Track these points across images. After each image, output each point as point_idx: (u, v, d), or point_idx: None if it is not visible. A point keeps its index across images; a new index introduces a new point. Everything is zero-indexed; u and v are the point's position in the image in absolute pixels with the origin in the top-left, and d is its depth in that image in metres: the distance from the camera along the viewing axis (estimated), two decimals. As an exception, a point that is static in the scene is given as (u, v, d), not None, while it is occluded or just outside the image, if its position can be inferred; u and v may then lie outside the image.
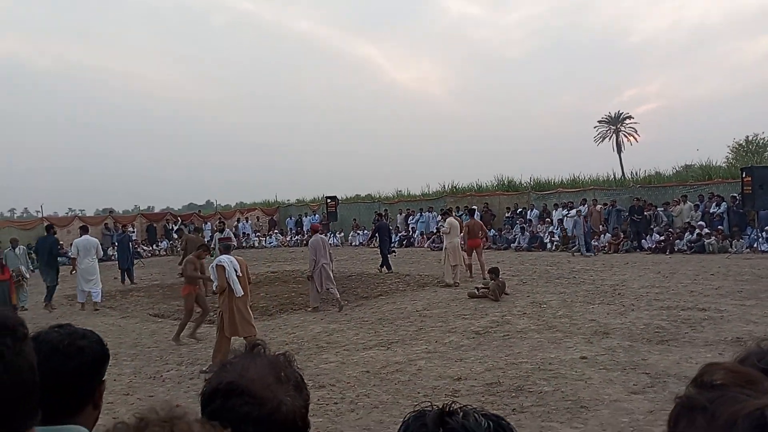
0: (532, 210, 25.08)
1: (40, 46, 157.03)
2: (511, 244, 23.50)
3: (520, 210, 25.55)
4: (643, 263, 16.76)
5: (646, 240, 20.40)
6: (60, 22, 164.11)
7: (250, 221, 33.33)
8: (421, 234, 27.13)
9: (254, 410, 1.06)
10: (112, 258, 26.08)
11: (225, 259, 8.17)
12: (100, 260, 14.49)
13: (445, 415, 0.87)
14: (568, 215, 22.11)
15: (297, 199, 38.09)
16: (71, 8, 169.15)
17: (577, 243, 20.20)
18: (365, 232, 29.55)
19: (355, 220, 30.47)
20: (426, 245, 25.45)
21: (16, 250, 14.40)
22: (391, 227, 21.28)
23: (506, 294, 12.36)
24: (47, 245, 14.26)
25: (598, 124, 63.63)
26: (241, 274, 8.18)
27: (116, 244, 20.99)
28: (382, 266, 17.67)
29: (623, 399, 5.92)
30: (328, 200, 30.22)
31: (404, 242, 27.29)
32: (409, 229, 28.22)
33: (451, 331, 9.50)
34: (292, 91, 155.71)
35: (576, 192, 25.38)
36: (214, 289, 8.58)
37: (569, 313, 10.37)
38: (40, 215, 32.82)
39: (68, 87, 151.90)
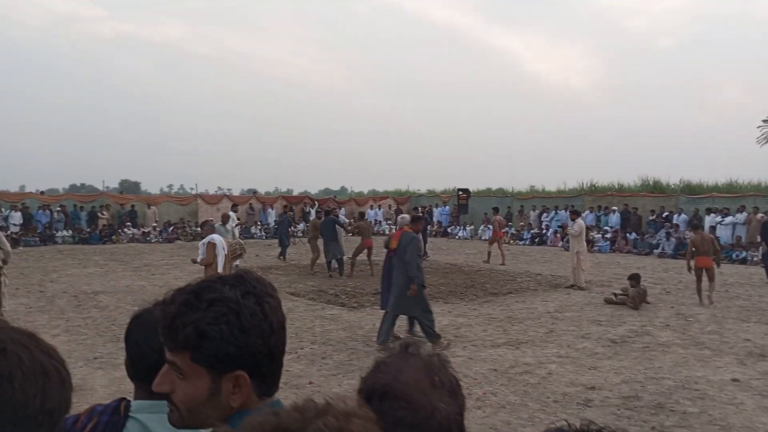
0: (679, 214, 23.29)
1: (200, 33, 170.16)
2: (654, 250, 22.00)
3: (666, 214, 23.85)
4: (810, 281, 14.97)
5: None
6: (218, 10, 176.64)
7: (382, 209, 34.02)
8: (555, 232, 26.21)
9: (408, 415, 1.04)
10: (255, 236, 27.94)
11: (216, 238, 9.56)
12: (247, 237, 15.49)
13: None
14: (722, 222, 20.27)
15: (428, 190, 38.30)
16: None
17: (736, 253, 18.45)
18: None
19: (486, 214, 30.05)
20: (560, 244, 24.57)
21: (227, 225, 14.91)
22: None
23: (647, 303, 11.61)
24: (329, 223, 16.07)
25: (762, 123, 57.49)
26: (227, 252, 9.58)
27: (277, 223, 22.72)
28: None
29: (783, 432, 5.34)
30: (460, 192, 30.07)
31: (536, 240, 26.53)
32: (543, 226, 27.36)
33: (584, 336, 9.10)
34: (429, 80, 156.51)
35: (733, 198, 23.20)
36: (199, 261, 9.75)
37: (720, 329, 9.53)
38: (194, 192, 35.82)
39: (223, 72, 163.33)
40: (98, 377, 6.95)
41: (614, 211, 25.27)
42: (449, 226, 31.17)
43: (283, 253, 19.48)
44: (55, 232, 25.18)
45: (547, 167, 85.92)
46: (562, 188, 32.24)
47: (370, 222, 16.33)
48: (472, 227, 29.92)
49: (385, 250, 9.39)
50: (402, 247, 8.42)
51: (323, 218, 16.98)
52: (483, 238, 28.69)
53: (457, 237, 29.57)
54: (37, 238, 24.01)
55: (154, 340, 1.48)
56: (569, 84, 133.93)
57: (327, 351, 8.24)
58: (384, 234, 30.12)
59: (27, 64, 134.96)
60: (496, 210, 21.65)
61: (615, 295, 11.87)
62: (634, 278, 11.81)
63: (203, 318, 1.07)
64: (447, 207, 32.43)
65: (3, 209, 24.90)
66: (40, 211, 25.49)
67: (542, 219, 27.72)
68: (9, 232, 23.19)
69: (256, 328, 1.09)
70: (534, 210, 28.59)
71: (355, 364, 7.54)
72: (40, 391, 0.93)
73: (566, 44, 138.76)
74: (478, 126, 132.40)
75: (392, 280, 8.79)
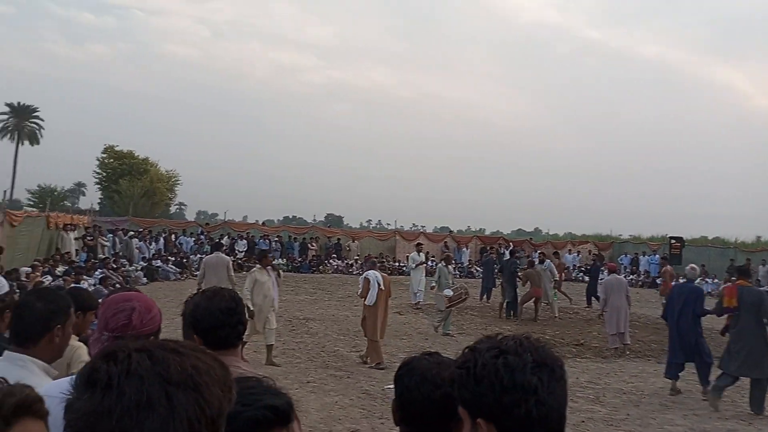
0: None
1: (402, 77, 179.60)
2: None
3: None
4: None
5: None
6: (418, 56, 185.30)
7: (580, 254, 32.43)
8: (790, 292, 22.73)
9: None
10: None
11: (371, 274, 9.80)
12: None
13: None
14: None
15: (631, 235, 35.79)
16: (428, 43, 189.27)
17: None
18: (716, 281, 26.12)
19: (704, 265, 27.14)
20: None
21: (449, 266, 14.56)
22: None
23: None
24: (508, 266, 16.20)
25: None
26: (383, 288, 9.67)
27: (482, 264, 22.96)
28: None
29: None
30: (672, 240, 27.62)
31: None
32: (773, 283, 23.91)
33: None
34: (635, 119, 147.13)
35: None
36: (359, 294, 10.16)
37: None
38: (391, 228, 37.48)
39: (421, 114, 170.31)
40: (311, 401, 7.44)
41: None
42: (658, 277, 28.62)
43: (487, 294, 19.09)
44: (272, 260, 27.90)
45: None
46: (801, 241, 28.09)
47: (545, 270, 15.65)
48: (685, 280, 27.14)
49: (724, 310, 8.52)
50: (752, 305, 7.81)
51: (507, 259, 16.73)
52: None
53: (666, 289, 27.03)
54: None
55: (425, 388, 1.53)
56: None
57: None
58: (581, 280, 28.66)
59: (251, 109, 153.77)
60: (664, 259, 20.14)
61: None
62: None
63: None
64: (656, 256, 29.90)
65: (232, 237, 28.27)
66: (261, 240, 28.47)
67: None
68: (236, 257, 26.23)
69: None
70: (763, 265, 25.15)
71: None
72: None
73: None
74: (691, 167, 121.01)
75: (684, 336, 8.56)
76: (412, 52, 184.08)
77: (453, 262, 17.32)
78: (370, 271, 10.08)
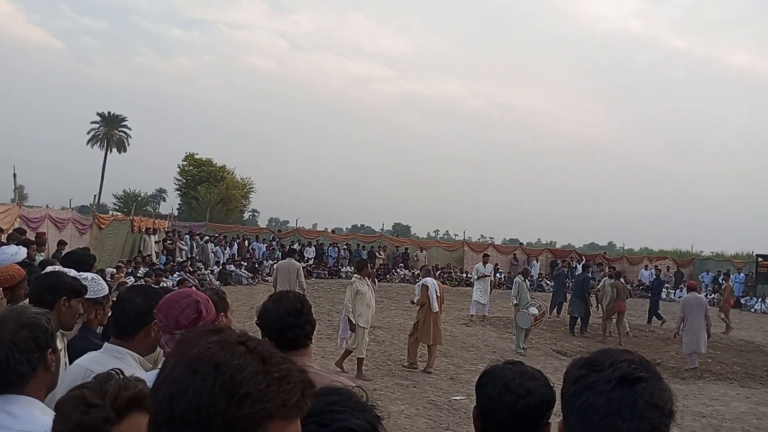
0: None
1: (474, 88, 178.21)
2: None
3: None
4: None
5: None
6: (491, 67, 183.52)
7: (660, 270, 31.07)
8: None
9: None
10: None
11: (429, 281, 10.32)
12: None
13: None
14: None
15: (714, 252, 34.04)
16: (501, 54, 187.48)
17: None
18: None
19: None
20: None
21: (527, 281, 13.93)
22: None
23: None
24: (580, 280, 15.76)
25: None
26: (439, 295, 10.10)
27: (553, 277, 22.60)
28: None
29: None
30: (760, 259, 26.07)
31: None
32: None
33: None
34: (720, 131, 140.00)
35: None
36: (415, 301, 10.56)
37: None
38: (459, 239, 37.19)
39: (493, 124, 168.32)
40: (377, 408, 7.47)
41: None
42: (743, 297, 27.10)
43: (558, 309, 18.61)
44: (341, 267, 28.27)
45: None
46: None
47: (626, 284, 15.08)
48: (773, 300, 25.57)
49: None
50: None
51: (579, 273, 16.24)
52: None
53: (752, 310, 25.53)
54: (327, 272, 27.20)
55: (508, 398, 1.52)
56: None
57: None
58: (663, 299, 27.44)
59: (324, 119, 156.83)
60: (726, 275, 19.62)
61: None
62: None
63: None
64: (741, 274, 28.30)
65: (302, 244, 28.87)
66: (331, 248, 28.91)
67: None
68: (306, 264, 26.76)
69: None
70: None
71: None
72: None
73: None
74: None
75: None
76: (485, 63, 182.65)
77: (483, 271, 16.88)
78: (427, 278, 10.53)
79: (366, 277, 9.49)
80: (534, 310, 12.31)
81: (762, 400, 9.34)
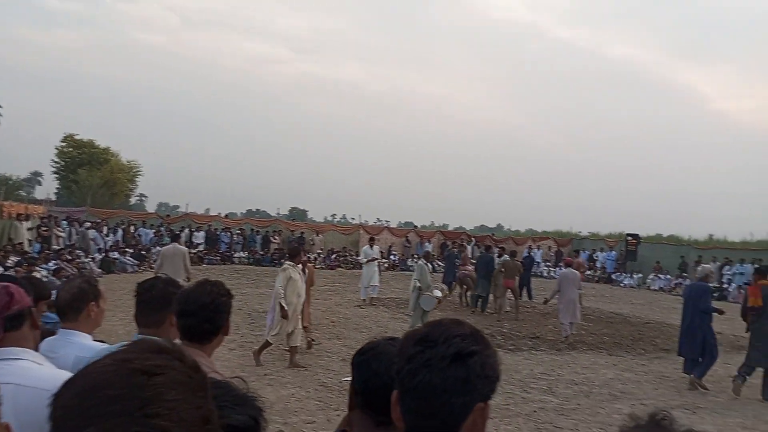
0: None
1: (374, 71, 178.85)
2: None
3: None
4: None
5: None
6: (390, 51, 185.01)
7: (541, 249, 32.99)
8: (738, 288, 23.58)
9: None
10: (411, 269, 28.41)
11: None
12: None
13: None
14: None
15: (590, 233, 36.52)
16: (401, 38, 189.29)
17: None
18: (666, 276, 26.95)
19: (658, 262, 27.95)
20: (741, 301, 22.03)
21: (429, 264, 14.03)
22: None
23: None
24: (485, 261, 16.21)
25: None
26: (308, 277, 9.68)
27: (443, 258, 23.14)
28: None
29: None
30: (629, 237, 28.32)
31: (716, 295, 24.02)
32: (724, 280, 24.78)
33: (776, 409, 8.02)
34: (602, 117, 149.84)
35: None
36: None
37: None
38: (355, 222, 37.49)
39: (399, 110, 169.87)
40: (267, 393, 7.41)
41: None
42: (614, 273, 29.40)
43: (449, 288, 19.34)
44: (233, 252, 27.63)
45: (729, 215, 77.86)
46: (748, 239, 29.11)
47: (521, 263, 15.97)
48: (640, 275, 27.93)
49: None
50: None
51: (481, 255, 16.90)
52: (651, 287, 26.69)
53: (622, 285, 27.77)
54: (219, 257, 26.50)
55: (392, 372, 1.56)
56: (764, 124, 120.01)
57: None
58: (542, 276, 29.15)
59: (225, 100, 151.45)
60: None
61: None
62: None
63: None
64: (613, 252, 30.65)
65: (191, 229, 27.90)
66: (223, 233, 28.16)
67: (723, 272, 25.14)
68: (196, 250, 25.89)
69: None
70: (714, 261, 26.00)
71: (512, 409, 7.32)
72: None
73: (762, 81, 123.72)
74: (651, 166, 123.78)
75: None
76: (386, 47, 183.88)
77: (373, 254, 17.07)
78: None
79: (299, 265, 9.20)
80: (438, 293, 12.62)
81: (627, 367, 10.23)
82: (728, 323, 12.08)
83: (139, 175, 45.69)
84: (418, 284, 12.61)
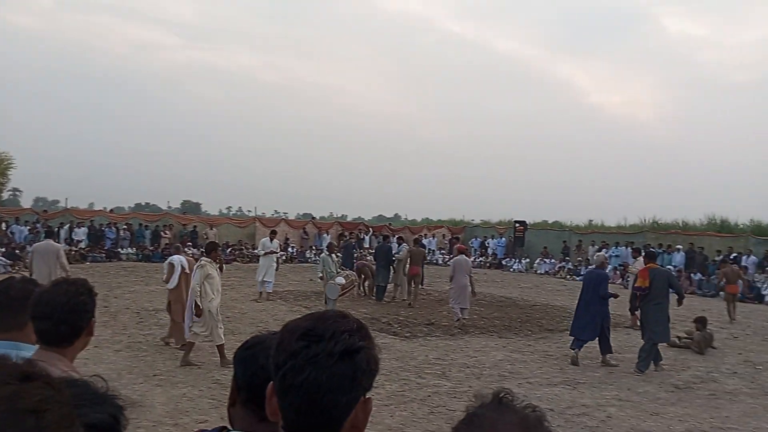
0: (749, 256, 22.27)
1: (267, 60, 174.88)
2: (720, 293, 21.01)
3: (734, 255, 22.83)
4: None
5: None
6: (283, 39, 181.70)
7: (436, 238, 33.91)
8: (614, 269, 25.45)
9: None
10: (309, 260, 28.26)
11: (175, 258, 10.05)
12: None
13: None
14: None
15: (482, 221, 37.99)
16: (293, 26, 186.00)
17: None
18: (551, 260, 28.57)
19: (545, 247, 29.56)
20: (618, 282, 23.83)
21: (332, 255, 14.63)
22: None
23: (713, 348, 11.10)
24: (384, 250, 16.32)
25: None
26: (187, 272, 9.60)
27: (341, 248, 22.93)
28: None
29: None
30: (517, 224, 29.70)
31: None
32: (601, 262, 26.63)
33: (646, 380, 8.75)
34: (489, 109, 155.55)
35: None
36: (163, 279, 10.36)
37: (794, 380, 8.99)
38: (252, 215, 36.66)
39: (293, 101, 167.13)
40: (157, 394, 7.12)
41: (678, 250, 24.40)
42: (504, 258, 30.78)
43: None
44: (120, 249, 26.19)
45: (607, 202, 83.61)
46: (623, 224, 31.45)
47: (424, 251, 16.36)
48: (528, 260, 29.44)
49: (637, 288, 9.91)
50: (662, 283, 9.40)
51: (379, 244, 17.10)
52: (538, 271, 28.21)
53: (511, 270, 29.14)
54: (104, 254, 25.02)
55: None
56: (635, 117, 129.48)
57: (378, 380, 8.17)
58: (437, 264, 29.97)
59: (109, 87, 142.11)
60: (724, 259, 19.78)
61: (679, 338, 11.39)
62: (700, 321, 11.33)
63: None
64: (503, 239, 32.06)
65: (72, 225, 26.13)
66: (108, 229, 26.60)
67: (601, 255, 27.04)
68: (78, 247, 24.30)
69: None
70: (593, 245, 27.90)
71: (407, 395, 7.48)
72: None
73: (633, 76, 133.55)
74: (536, 157, 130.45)
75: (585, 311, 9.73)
76: (279, 36, 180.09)
77: (271, 246, 16.83)
78: (174, 256, 10.27)
79: (215, 261, 8.97)
80: (341, 280, 12.83)
81: (516, 348, 10.75)
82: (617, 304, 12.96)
83: (12, 167, 42.08)
84: (321, 275, 12.94)
